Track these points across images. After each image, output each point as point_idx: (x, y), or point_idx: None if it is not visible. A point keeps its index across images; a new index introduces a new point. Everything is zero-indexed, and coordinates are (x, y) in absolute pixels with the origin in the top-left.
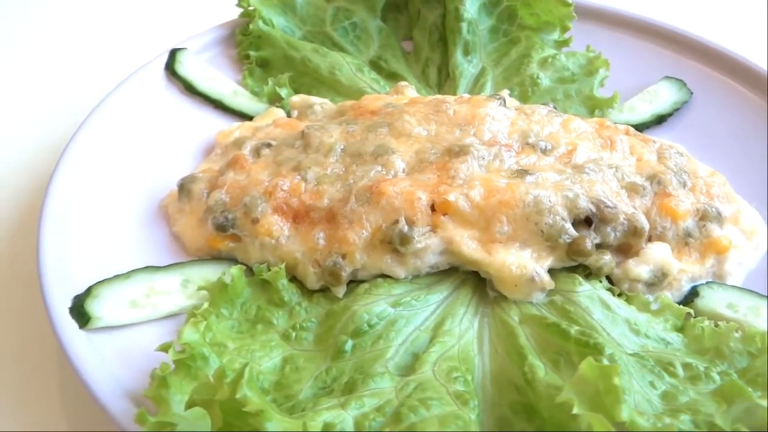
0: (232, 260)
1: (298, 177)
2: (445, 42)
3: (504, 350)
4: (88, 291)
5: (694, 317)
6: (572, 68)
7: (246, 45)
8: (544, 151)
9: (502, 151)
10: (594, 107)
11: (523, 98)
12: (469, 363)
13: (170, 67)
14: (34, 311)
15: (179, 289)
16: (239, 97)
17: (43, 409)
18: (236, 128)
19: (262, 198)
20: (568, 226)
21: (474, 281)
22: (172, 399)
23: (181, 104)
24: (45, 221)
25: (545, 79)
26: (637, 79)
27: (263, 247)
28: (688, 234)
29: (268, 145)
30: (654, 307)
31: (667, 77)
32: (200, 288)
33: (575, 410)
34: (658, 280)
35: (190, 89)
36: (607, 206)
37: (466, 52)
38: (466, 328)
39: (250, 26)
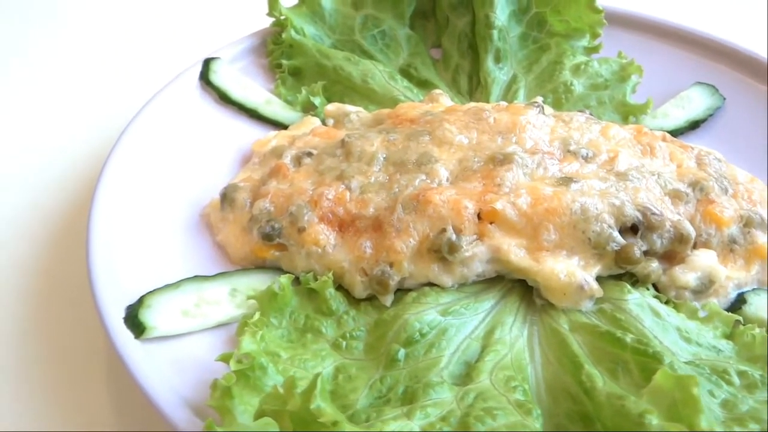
0: (277, 269)
1: (343, 186)
2: (474, 49)
3: (556, 358)
4: (141, 301)
5: (743, 325)
6: (605, 74)
7: (278, 54)
8: (586, 159)
9: (545, 159)
10: (627, 114)
11: (557, 105)
12: (523, 372)
13: (204, 77)
14: (82, 315)
15: (228, 298)
16: (273, 106)
17: (92, 411)
18: (273, 137)
19: (308, 207)
20: (616, 233)
21: (520, 289)
22: (236, 409)
23: (215, 113)
24: (92, 230)
25: (578, 86)
26: (668, 85)
27: (309, 255)
28: (732, 241)
29: (309, 154)
30: (702, 314)
31: (699, 83)
32: (249, 297)
33: (655, 421)
34: (705, 287)
35: (224, 98)
36: (654, 213)
37: (497, 60)
38: (516, 337)
39: (283, 35)
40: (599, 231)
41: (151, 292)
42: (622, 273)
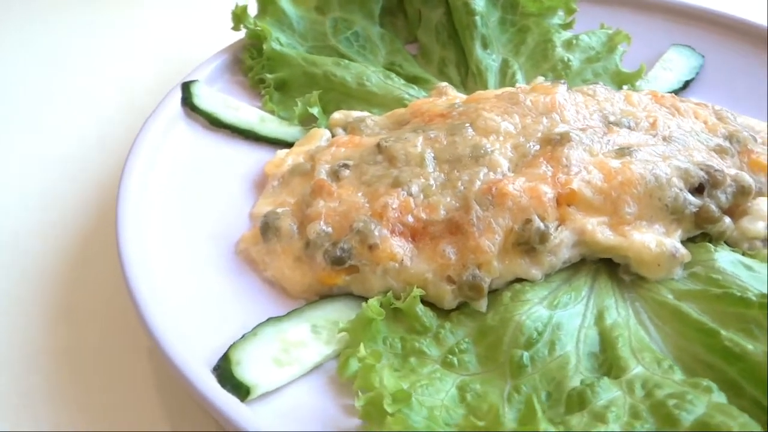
0: (345, 296)
1: (403, 192)
2: (455, 39)
3: (675, 331)
4: (227, 358)
5: None
6: (596, 47)
7: (258, 68)
8: (630, 128)
9: (596, 133)
10: (622, 82)
11: None
12: (652, 351)
13: (188, 103)
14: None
15: (312, 336)
16: (269, 124)
17: None
18: (285, 156)
19: (373, 221)
20: (689, 196)
21: (606, 269)
22: None
23: (208, 140)
24: (136, 289)
25: (575, 61)
26: (642, 52)
27: (386, 273)
28: None
29: (345, 166)
30: None
31: (675, 45)
32: (341, 330)
33: None
34: None
35: (214, 123)
36: (716, 170)
37: (485, 46)
38: (625, 317)
39: (264, 47)
40: (674, 196)
41: (232, 346)
42: (695, 235)
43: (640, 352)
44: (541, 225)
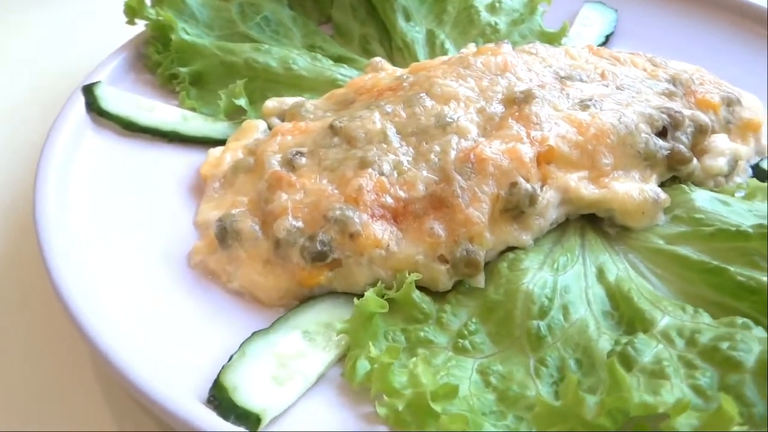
0: (327, 294)
1: (374, 173)
2: (374, 15)
3: (676, 275)
4: (220, 386)
5: None
6: (519, 8)
7: (168, 63)
8: (582, 81)
9: (554, 89)
10: (548, 42)
11: None
12: (666, 299)
13: (94, 107)
14: None
15: (307, 344)
16: (193, 122)
17: None
18: (222, 154)
19: (350, 207)
20: (658, 140)
21: (591, 225)
22: None
23: (125, 147)
24: (92, 331)
25: (502, 24)
26: (557, 13)
27: (372, 262)
28: (728, 121)
29: (300, 154)
30: (740, 194)
31: (588, 2)
32: (340, 331)
33: None
34: (732, 168)
35: (129, 127)
36: (676, 112)
37: (408, 18)
38: (624, 270)
39: (172, 38)
40: (645, 141)
41: (222, 370)
42: (665, 180)
43: (660, 302)
44: (528, 186)
